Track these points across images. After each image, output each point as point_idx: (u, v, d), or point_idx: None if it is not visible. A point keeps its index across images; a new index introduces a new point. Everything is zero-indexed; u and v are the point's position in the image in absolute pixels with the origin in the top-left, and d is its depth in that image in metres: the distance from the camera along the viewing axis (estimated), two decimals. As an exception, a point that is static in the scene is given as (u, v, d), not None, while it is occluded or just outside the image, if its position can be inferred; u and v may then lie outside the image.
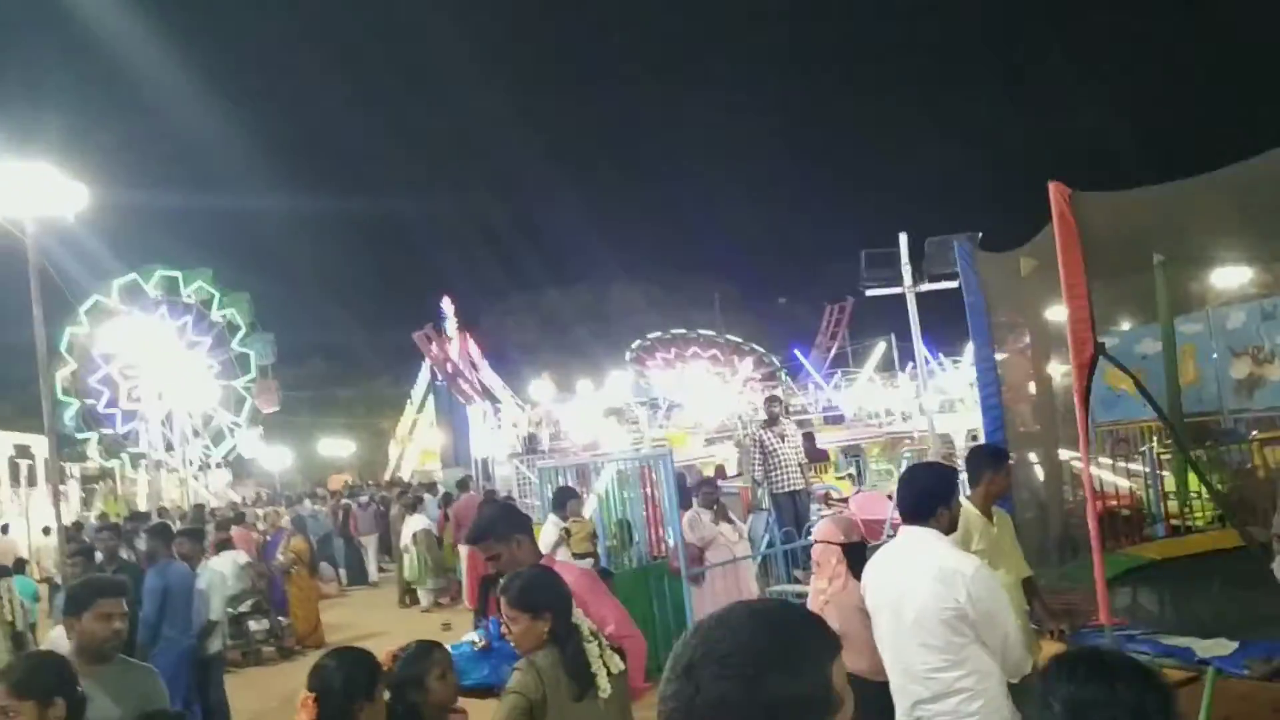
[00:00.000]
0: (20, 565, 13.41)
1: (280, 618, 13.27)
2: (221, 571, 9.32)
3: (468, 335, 42.76)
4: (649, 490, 10.60)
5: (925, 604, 3.94)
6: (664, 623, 9.59)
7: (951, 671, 3.92)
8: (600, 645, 3.72)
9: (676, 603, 9.21)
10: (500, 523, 4.45)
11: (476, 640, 4.06)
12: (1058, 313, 7.13)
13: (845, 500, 12.77)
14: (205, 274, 38.72)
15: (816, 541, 5.04)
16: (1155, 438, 14.55)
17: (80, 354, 36.79)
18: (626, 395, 36.22)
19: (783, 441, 11.36)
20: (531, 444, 20.99)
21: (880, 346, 24.76)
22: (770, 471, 11.29)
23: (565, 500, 9.71)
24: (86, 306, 35.54)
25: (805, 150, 79.23)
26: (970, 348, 11.31)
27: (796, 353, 25.91)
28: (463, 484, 17.32)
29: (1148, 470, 11.62)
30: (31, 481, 27.58)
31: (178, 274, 37.62)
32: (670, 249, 72.29)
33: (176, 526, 13.67)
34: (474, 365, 41.35)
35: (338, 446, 44.48)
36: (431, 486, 19.56)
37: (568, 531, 9.29)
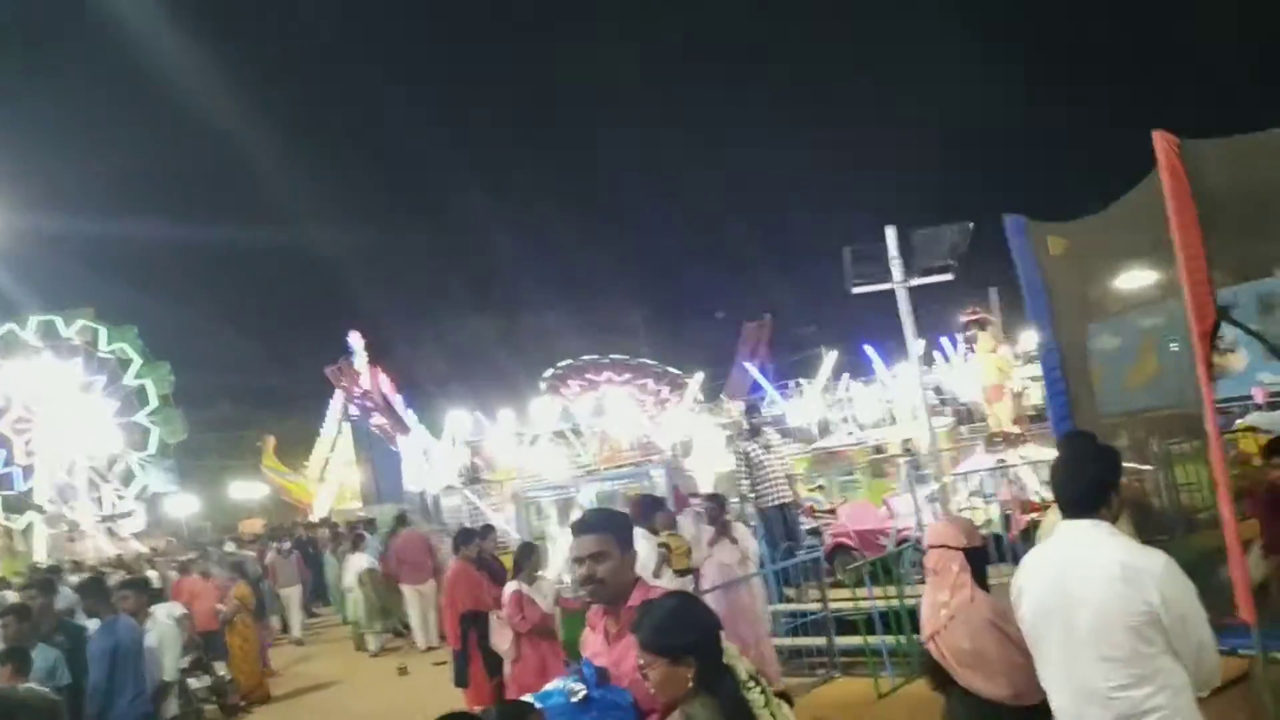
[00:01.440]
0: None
1: (221, 674, 12.19)
2: (171, 625, 8.33)
3: (378, 370, 41.64)
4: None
5: (1106, 610, 3.34)
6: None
7: (1139, 689, 3.32)
8: (765, 692, 3.01)
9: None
10: (621, 524, 3.76)
11: (573, 689, 3.31)
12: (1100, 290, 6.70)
13: (831, 511, 12.26)
14: (85, 312, 36.81)
15: (931, 547, 4.41)
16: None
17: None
18: (552, 421, 35.50)
19: (768, 453, 10.83)
20: (473, 473, 20.14)
21: (832, 356, 24.51)
22: (757, 485, 10.75)
23: (653, 512, 8.72)
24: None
25: (732, 157, 78.82)
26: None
27: (746, 364, 25.45)
28: (401, 519, 16.37)
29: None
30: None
31: (55, 317, 35.74)
32: (591, 272, 71.32)
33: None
34: (386, 400, 40.20)
35: (249, 490, 42.60)
36: (370, 524, 18.53)
37: (667, 547, 8.36)
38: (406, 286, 65.07)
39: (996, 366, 12.56)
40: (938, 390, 22.09)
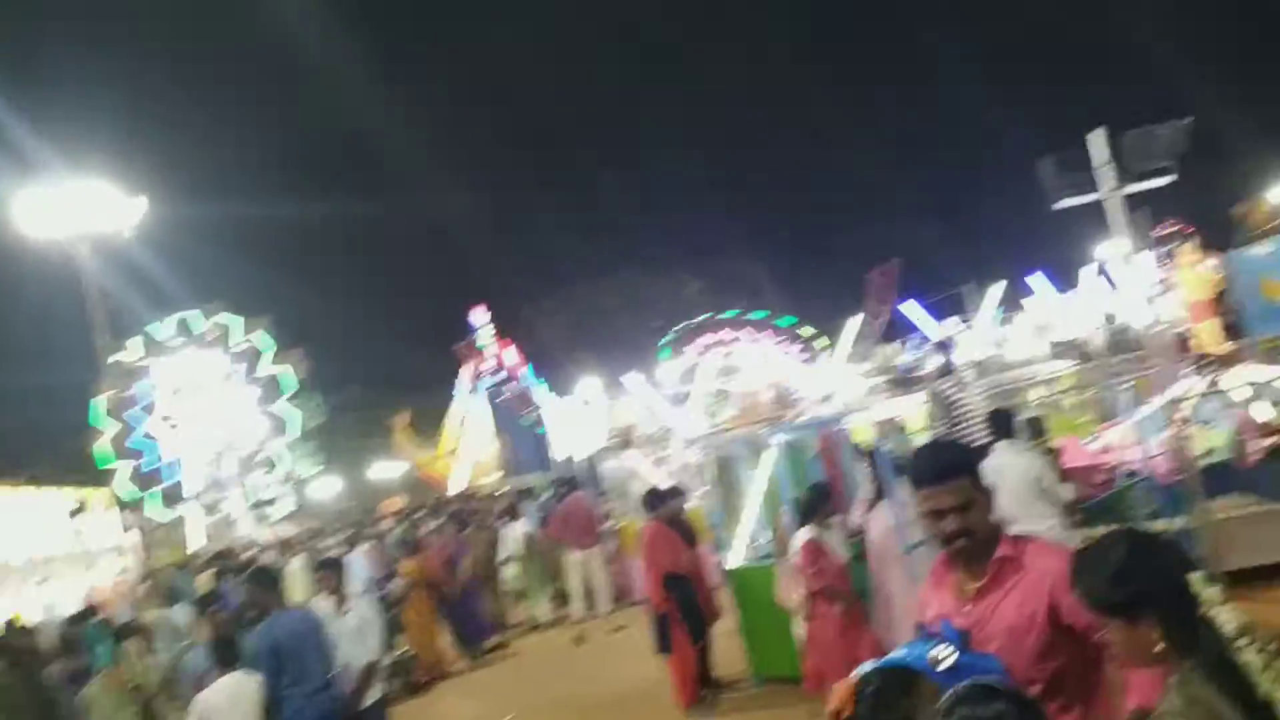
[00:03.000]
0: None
1: (405, 648, 11.97)
2: (370, 603, 8.02)
3: (505, 343, 41.77)
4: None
5: None
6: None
7: None
8: (1264, 650, 2.30)
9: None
10: (975, 460, 3.13)
11: (938, 654, 2.66)
12: None
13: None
14: (217, 306, 37.46)
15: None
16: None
17: (115, 406, 35.56)
18: (676, 382, 35.00)
19: (962, 391, 10.03)
20: (627, 435, 19.78)
21: (1001, 285, 23.31)
22: (954, 426, 9.96)
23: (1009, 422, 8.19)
24: (122, 355, 34.34)
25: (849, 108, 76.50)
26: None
27: (902, 308, 24.47)
28: (569, 483, 16.04)
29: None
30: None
31: (188, 315, 36.47)
32: (712, 232, 70.24)
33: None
34: (512, 374, 40.36)
35: (387, 469, 43.20)
36: (527, 492, 18.29)
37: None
38: (530, 256, 65.32)
39: (1203, 281, 11.48)
40: (1109, 319, 20.81)
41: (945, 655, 2.68)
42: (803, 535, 7.54)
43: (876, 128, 74.08)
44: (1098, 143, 8.73)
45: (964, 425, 9.96)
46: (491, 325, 41.69)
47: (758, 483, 9.42)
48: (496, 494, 23.29)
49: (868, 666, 2.68)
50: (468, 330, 41.39)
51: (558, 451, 24.79)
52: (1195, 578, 2.40)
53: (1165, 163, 8.58)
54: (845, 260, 44.03)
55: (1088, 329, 20.43)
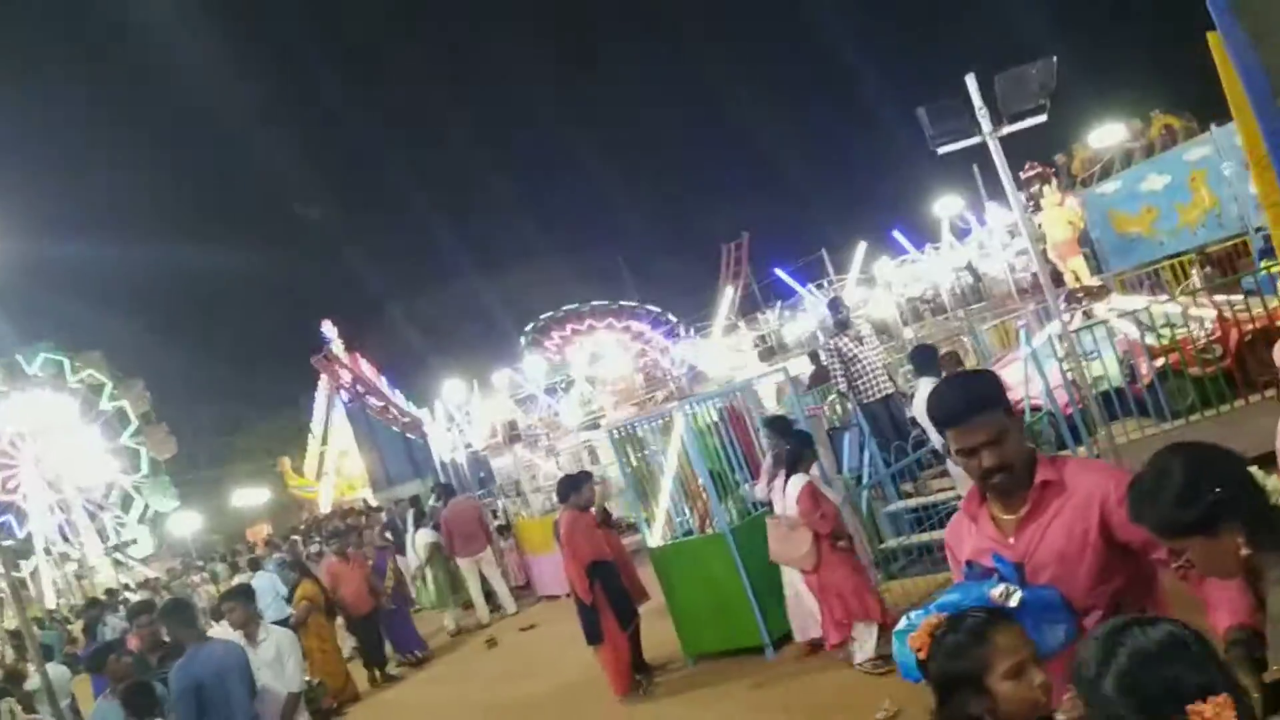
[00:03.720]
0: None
1: (308, 678, 11.32)
2: (286, 631, 7.46)
3: (357, 356, 40.70)
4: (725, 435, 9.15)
5: None
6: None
7: None
8: None
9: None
10: (999, 387, 2.93)
11: (1002, 592, 2.48)
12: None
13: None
14: (45, 345, 35.34)
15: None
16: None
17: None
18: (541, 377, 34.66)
19: (861, 345, 10.03)
20: (512, 430, 19.30)
21: (861, 246, 23.69)
22: (855, 380, 9.94)
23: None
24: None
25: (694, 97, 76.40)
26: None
27: (778, 271, 24.60)
28: (446, 489, 15.54)
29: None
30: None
31: (64, 359, 34.30)
32: (566, 224, 69.45)
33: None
34: (371, 384, 39.33)
35: (251, 496, 41.49)
36: (414, 500, 17.65)
37: None
38: (375, 265, 63.38)
39: (1066, 220, 11.80)
40: (969, 268, 21.42)
41: (1009, 593, 2.49)
42: (798, 482, 7.40)
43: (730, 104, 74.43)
44: (972, 86, 8.78)
45: (863, 380, 9.96)
46: (341, 340, 40.49)
47: (670, 459, 9.21)
48: (373, 508, 22.52)
49: (942, 607, 2.48)
50: (322, 343, 40.15)
51: (442, 454, 24.13)
52: (1255, 472, 2.29)
53: (1039, 101, 8.68)
54: (710, 238, 44.08)
55: (945, 281, 21.08)
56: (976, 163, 30.16)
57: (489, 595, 14.53)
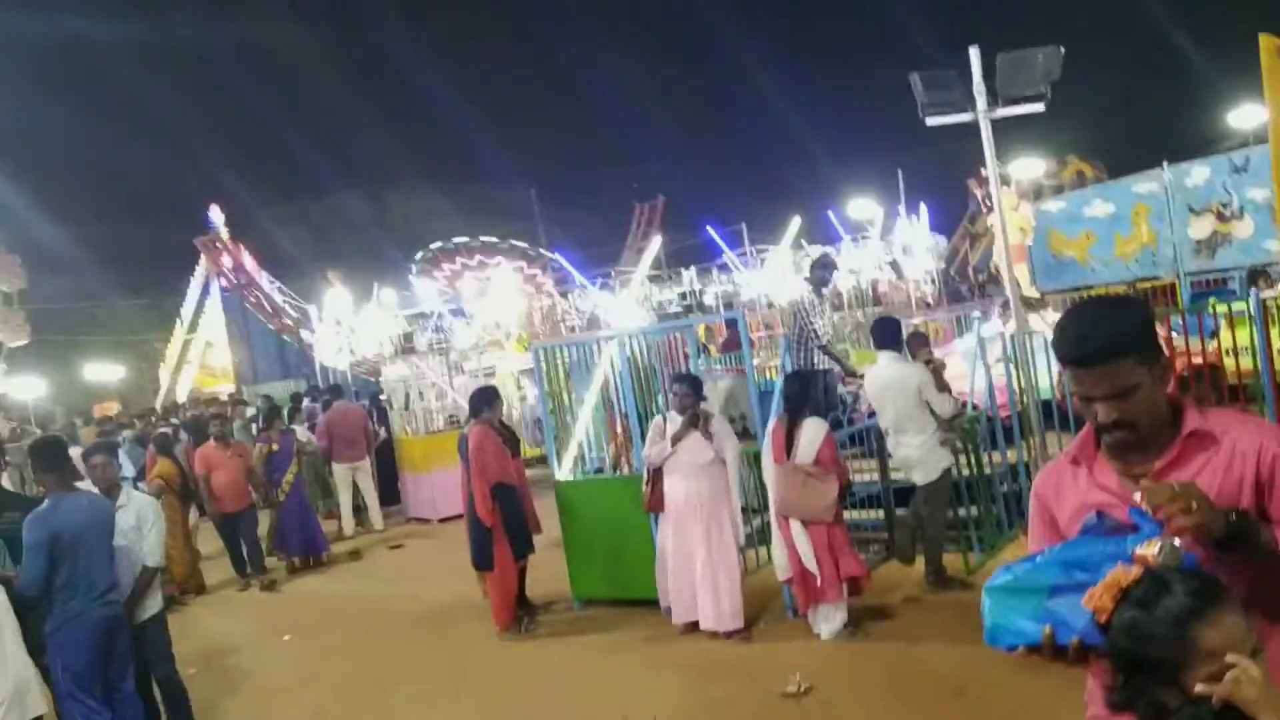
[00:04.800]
0: None
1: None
2: (149, 499, 6.64)
3: (241, 246, 38.88)
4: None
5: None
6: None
7: None
8: None
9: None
10: (1149, 324, 2.36)
11: (1152, 553, 1.97)
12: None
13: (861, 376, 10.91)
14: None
15: None
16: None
17: None
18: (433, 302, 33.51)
19: (811, 313, 9.47)
20: (407, 343, 18.37)
21: (795, 221, 23.25)
22: (802, 343, 9.39)
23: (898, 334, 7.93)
24: None
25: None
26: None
27: (709, 228, 23.97)
28: (335, 390, 14.63)
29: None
30: None
31: None
32: (476, 148, 66.94)
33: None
34: (252, 277, 37.64)
35: (105, 371, 39.22)
36: (268, 400, 16.66)
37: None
38: (270, 161, 60.57)
39: (1018, 226, 11.56)
40: (894, 265, 21.28)
41: (1170, 550, 1.99)
42: (819, 427, 6.81)
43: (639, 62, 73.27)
44: (974, 60, 8.36)
45: (806, 347, 9.44)
46: (226, 228, 38.57)
47: (592, 389, 8.63)
48: (240, 400, 21.30)
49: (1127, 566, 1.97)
50: (203, 227, 38.18)
51: (318, 359, 23.00)
52: None
53: (1039, 89, 8.31)
54: (624, 197, 43.32)
55: (868, 273, 20.94)
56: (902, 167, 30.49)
57: (357, 509, 13.77)
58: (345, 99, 65.29)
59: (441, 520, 13.28)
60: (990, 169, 8.63)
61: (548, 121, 70.51)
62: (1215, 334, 10.65)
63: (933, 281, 22.84)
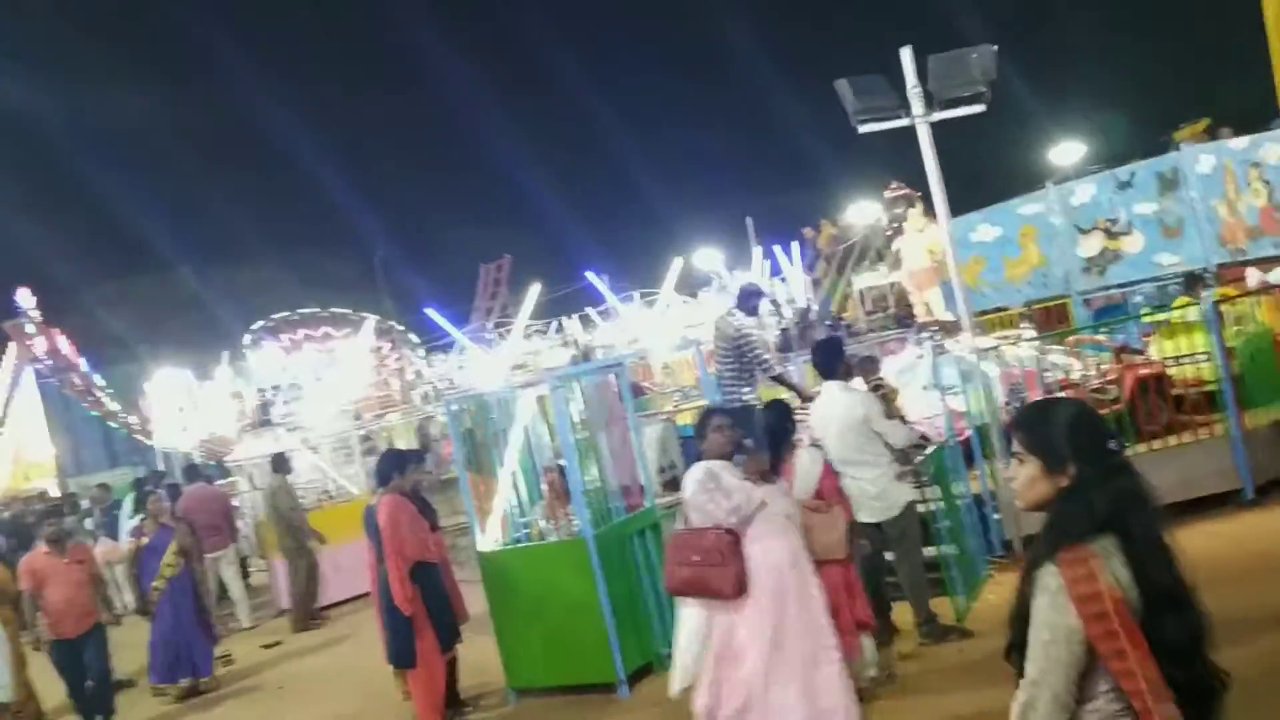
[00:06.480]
0: None
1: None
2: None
3: (55, 332, 36.09)
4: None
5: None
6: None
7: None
8: None
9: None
10: None
11: None
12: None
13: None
14: None
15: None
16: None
17: None
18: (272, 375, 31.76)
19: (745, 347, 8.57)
20: (265, 413, 16.69)
21: (677, 263, 22.35)
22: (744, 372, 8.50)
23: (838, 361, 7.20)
24: None
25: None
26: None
27: (589, 274, 22.71)
28: (192, 472, 13.01)
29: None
30: None
31: None
32: (320, 221, 63.94)
33: None
34: (70, 362, 34.94)
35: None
36: (104, 489, 14.83)
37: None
38: (91, 237, 56.65)
39: (927, 249, 11.07)
40: (774, 304, 20.70)
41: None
42: (813, 458, 5.88)
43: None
44: (907, 63, 7.77)
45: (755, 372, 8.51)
46: (38, 310, 35.71)
47: (512, 444, 7.54)
48: (69, 494, 19.15)
49: None
50: (14, 312, 35.24)
51: (163, 441, 21.02)
52: None
53: (977, 89, 7.78)
54: (466, 259, 42.18)
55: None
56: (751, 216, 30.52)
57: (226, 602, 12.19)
58: (173, 169, 62.04)
59: (324, 608, 11.83)
60: (931, 174, 8.00)
61: (394, 181, 68.43)
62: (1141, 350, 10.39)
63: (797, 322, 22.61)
